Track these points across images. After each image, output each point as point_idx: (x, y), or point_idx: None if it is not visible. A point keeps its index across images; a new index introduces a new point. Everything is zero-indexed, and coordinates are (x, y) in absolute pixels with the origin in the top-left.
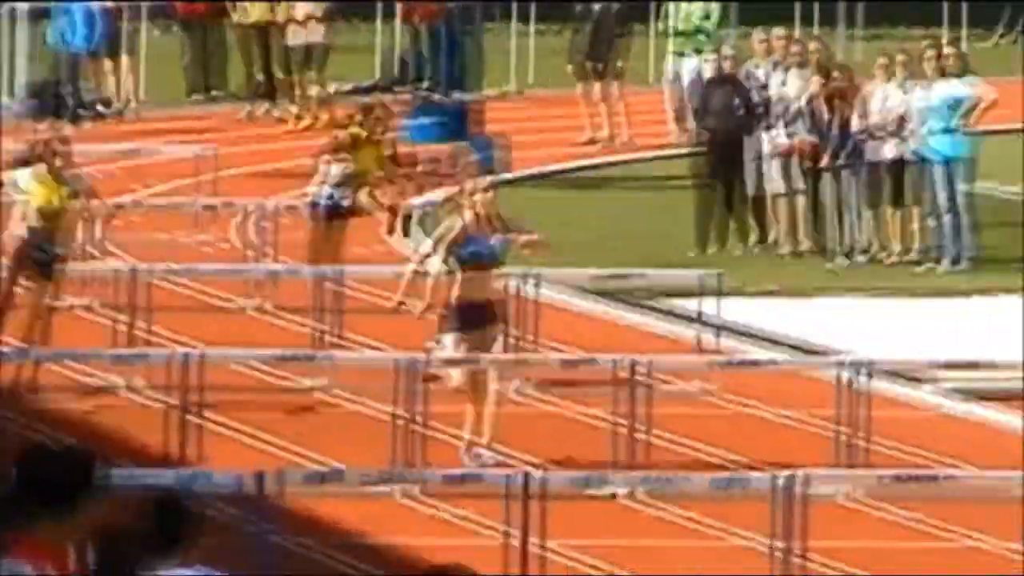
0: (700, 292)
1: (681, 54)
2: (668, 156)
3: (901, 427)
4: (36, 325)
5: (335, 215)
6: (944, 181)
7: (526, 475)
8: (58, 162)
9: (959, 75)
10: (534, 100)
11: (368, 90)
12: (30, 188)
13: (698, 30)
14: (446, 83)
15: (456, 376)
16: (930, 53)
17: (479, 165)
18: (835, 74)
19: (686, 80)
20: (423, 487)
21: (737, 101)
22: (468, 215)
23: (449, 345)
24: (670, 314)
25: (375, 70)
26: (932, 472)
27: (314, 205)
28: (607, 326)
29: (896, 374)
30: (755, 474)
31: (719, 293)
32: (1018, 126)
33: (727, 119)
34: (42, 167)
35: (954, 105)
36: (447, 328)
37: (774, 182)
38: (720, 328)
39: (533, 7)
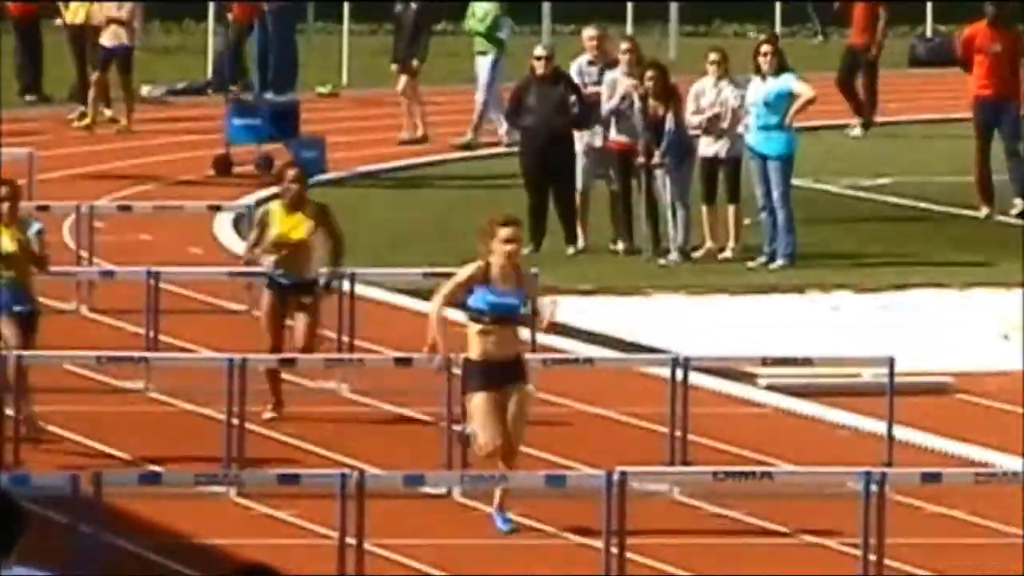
0: None
1: (483, 53)
2: (495, 155)
3: (725, 423)
4: None
5: None
6: (770, 176)
7: (343, 476)
8: None
9: (779, 73)
10: (350, 100)
11: (199, 90)
12: None
13: (490, 30)
14: (260, 84)
15: (481, 438)
16: (766, 49)
17: (306, 165)
18: (649, 73)
19: (482, 79)
20: (248, 488)
21: (563, 99)
22: (496, 262)
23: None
24: None
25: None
26: (755, 469)
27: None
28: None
29: (720, 372)
30: (585, 472)
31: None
32: (836, 122)
33: (550, 118)
34: None
35: (776, 102)
36: (464, 389)
37: (593, 180)
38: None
39: (347, 7)
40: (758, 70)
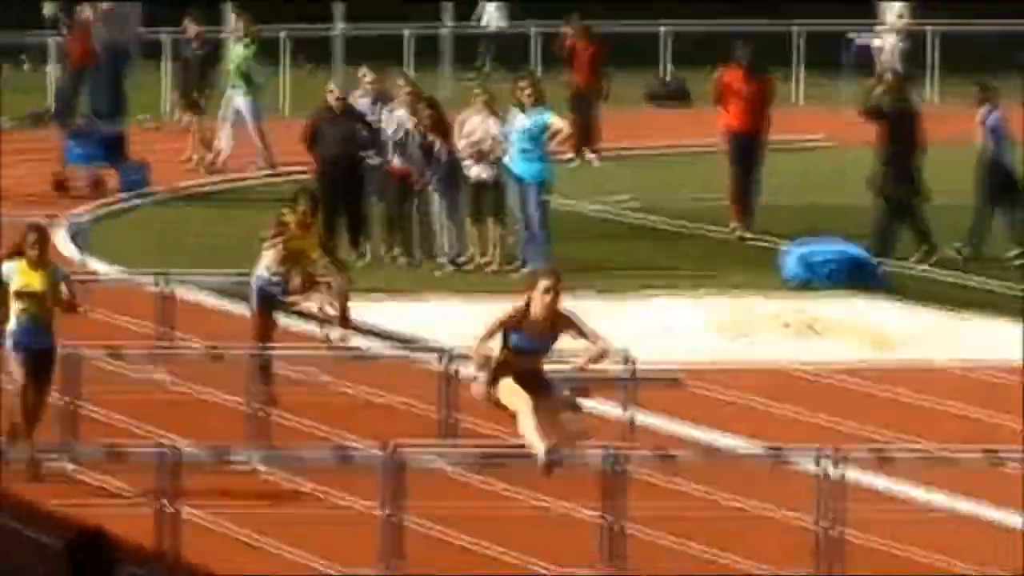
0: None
1: (234, 86)
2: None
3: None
4: None
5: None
6: (528, 197)
7: (161, 453)
8: None
9: (536, 106)
10: (171, 130)
11: (38, 117)
12: None
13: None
14: (95, 114)
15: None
16: (524, 85)
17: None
18: (425, 108)
19: (245, 111)
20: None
21: (353, 130)
22: (534, 309)
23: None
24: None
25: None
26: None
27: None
28: (239, 322)
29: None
30: (367, 449)
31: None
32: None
33: (343, 146)
34: None
35: (535, 133)
36: (494, 382)
37: (378, 201)
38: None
39: (166, 46)
40: (519, 104)
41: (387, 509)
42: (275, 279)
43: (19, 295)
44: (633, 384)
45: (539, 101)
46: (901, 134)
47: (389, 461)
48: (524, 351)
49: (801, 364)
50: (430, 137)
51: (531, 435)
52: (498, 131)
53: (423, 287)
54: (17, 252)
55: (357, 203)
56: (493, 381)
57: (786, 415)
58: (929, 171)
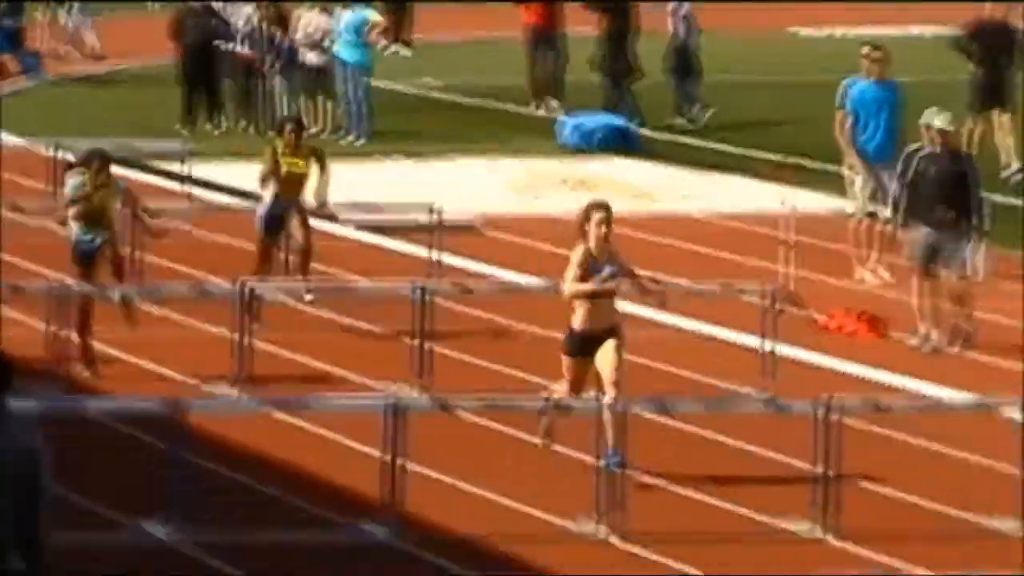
0: (181, 157)
1: None
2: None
3: (331, 252)
4: None
5: None
6: (352, 81)
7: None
8: None
9: (359, 4)
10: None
11: None
12: None
13: None
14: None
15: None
16: None
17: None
18: (267, 5)
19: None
20: None
21: (212, 25)
22: (592, 242)
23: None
24: (160, 173)
25: None
26: (343, 284)
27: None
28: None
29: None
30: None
31: (188, 156)
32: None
33: (202, 37)
34: None
35: (358, 26)
36: (562, 351)
37: (231, 82)
38: (197, 183)
39: None
40: (345, 2)
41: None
42: (275, 212)
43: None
44: (440, 231)
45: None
46: (617, 21)
47: (245, 293)
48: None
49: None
50: (272, 29)
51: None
52: (328, 25)
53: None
54: (78, 164)
55: (213, 83)
56: (564, 348)
57: (566, 255)
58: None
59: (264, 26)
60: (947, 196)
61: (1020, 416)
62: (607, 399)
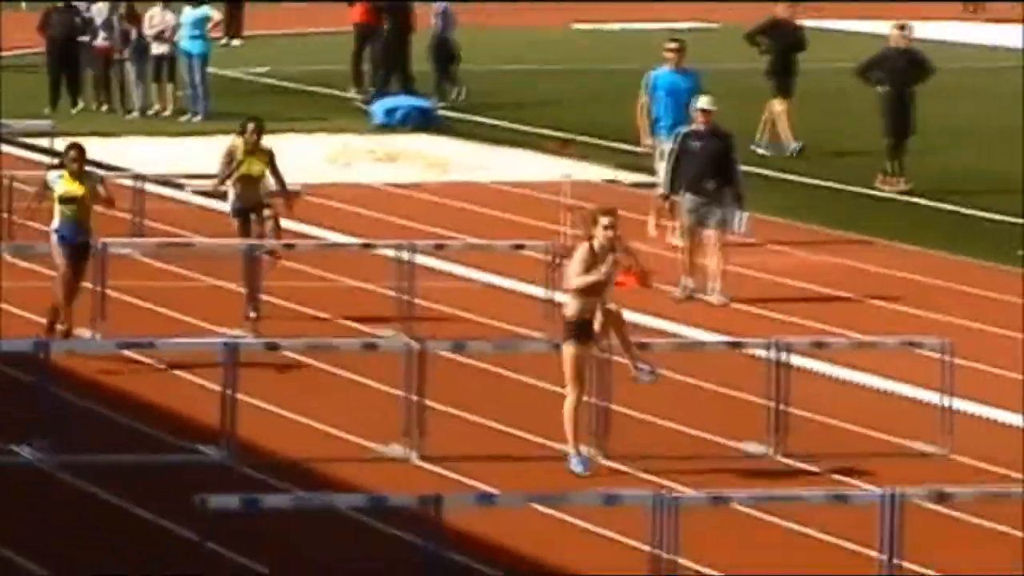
0: (48, 135)
1: None
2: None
3: (161, 209)
4: None
5: None
6: (193, 68)
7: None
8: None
9: (199, 4)
10: None
11: None
12: None
13: None
14: None
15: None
16: None
17: None
18: (122, 4)
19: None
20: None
21: (72, 20)
22: (597, 243)
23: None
24: (34, 148)
25: None
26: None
27: None
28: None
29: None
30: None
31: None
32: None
33: (66, 30)
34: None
35: (199, 22)
36: (564, 338)
37: (90, 70)
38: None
39: None
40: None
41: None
42: (239, 204)
43: (63, 200)
44: (267, 196)
45: (202, 1)
46: (397, 20)
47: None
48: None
49: (385, 183)
50: (126, 25)
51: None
52: (173, 21)
53: (121, 130)
54: (60, 165)
55: (74, 71)
56: (564, 335)
57: (376, 217)
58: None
59: (118, 22)
60: (710, 168)
61: (766, 353)
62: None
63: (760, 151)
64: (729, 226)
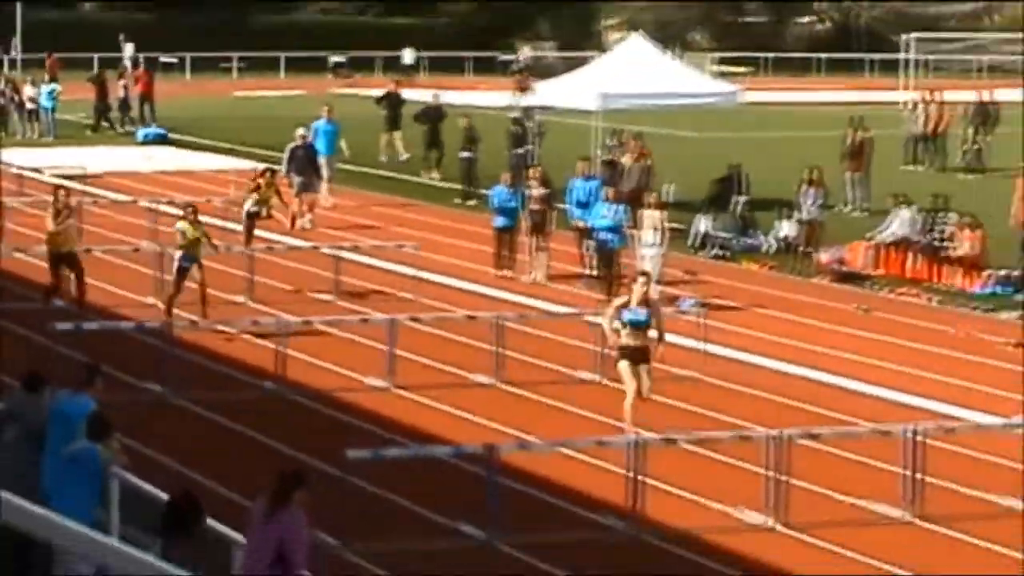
0: None
1: None
2: None
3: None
4: None
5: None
6: (47, 114)
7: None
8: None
9: None
10: None
11: None
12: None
13: None
14: None
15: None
16: None
17: None
18: None
19: None
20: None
21: None
22: (637, 294)
23: (623, 370)
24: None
25: None
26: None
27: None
28: None
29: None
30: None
31: None
32: None
33: None
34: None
35: (51, 92)
36: (618, 359)
37: None
38: None
39: None
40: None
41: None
42: (255, 208)
43: (186, 239)
44: (81, 181)
45: (53, 79)
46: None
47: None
48: (633, 324)
49: None
50: (11, 90)
51: (628, 390)
52: (35, 91)
53: (9, 143)
54: (183, 217)
55: None
56: (620, 351)
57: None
58: None
59: (7, 89)
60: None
61: (596, 319)
62: (645, 387)
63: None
64: None
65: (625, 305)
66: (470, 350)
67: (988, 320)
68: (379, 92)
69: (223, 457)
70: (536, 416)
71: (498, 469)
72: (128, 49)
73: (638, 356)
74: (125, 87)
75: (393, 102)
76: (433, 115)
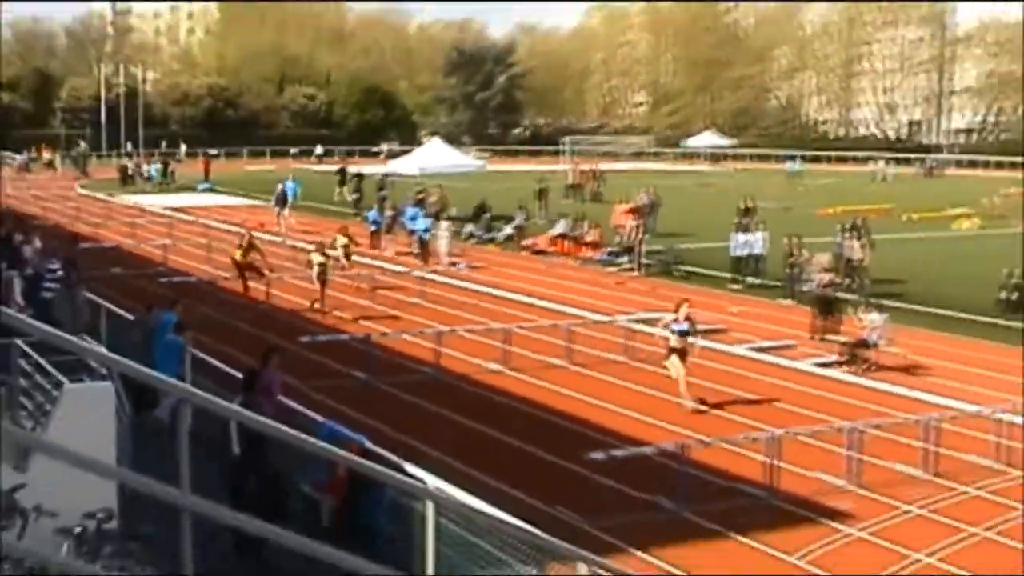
0: None
1: None
2: None
3: None
4: None
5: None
6: None
7: None
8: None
9: None
10: None
11: None
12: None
13: None
14: None
15: (674, 369)
16: None
17: None
18: None
19: None
20: None
21: None
22: (682, 313)
23: (676, 364)
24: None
25: None
26: None
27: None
28: None
29: None
30: None
31: None
32: None
33: None
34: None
35: None
36: (668, 356)
37: None
38: None
39: None
40: None
41: None
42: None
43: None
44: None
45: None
46: None
47: None
48: (679, 331)
49: None
50: None
51: (683, 389)
52: None
53: None
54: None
55: None
56: (670, 351)
57: None
58: None
59: (133, 165)
60: None
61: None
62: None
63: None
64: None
65: (674, 320)
66: None
67: (604, 272)
68: (331, 167)
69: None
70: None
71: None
72: (183, 147)
73: (682, 354)
74: (178, 162)
75: (342, 172)
76: (353, 177)
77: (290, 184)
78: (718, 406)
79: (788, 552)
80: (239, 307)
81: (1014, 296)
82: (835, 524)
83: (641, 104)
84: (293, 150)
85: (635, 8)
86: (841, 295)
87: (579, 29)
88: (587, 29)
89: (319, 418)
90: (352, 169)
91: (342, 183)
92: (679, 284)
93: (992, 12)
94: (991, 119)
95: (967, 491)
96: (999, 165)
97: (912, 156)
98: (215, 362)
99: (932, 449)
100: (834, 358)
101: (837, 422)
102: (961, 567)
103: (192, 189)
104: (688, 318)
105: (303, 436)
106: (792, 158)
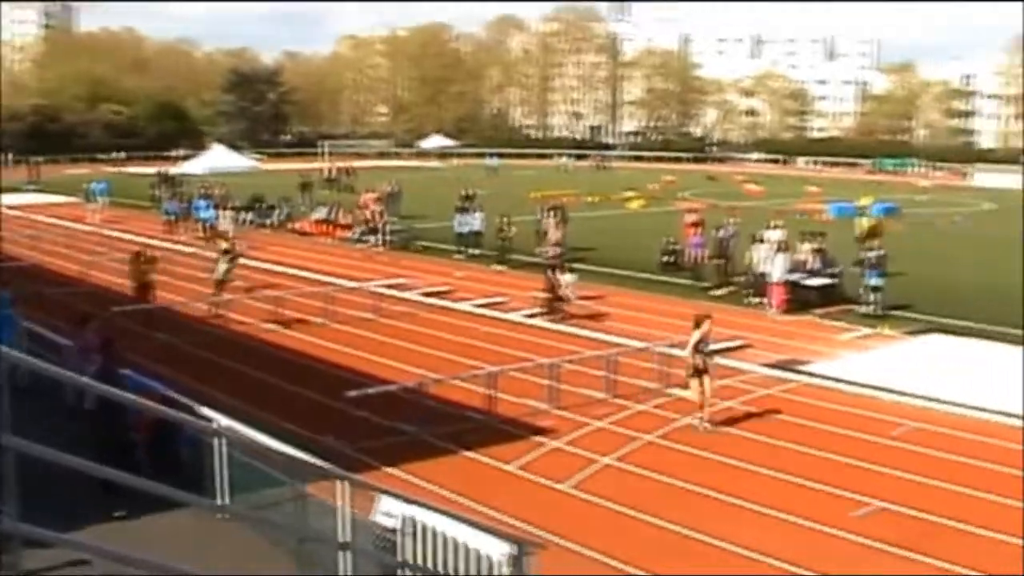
0: None
1: None
2: None
3: None
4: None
5: None
6: None
7: None
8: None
9: None
10: None
11: None
12: None
13: None
14: None
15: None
16: None
17: None
18: None
19: None
20: None
21: None
22: (705, 330)
23: (697, 389)
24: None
25: None
26: None
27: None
28: None
29: None
30: None
31: None
32: None
33: None
34: None
35: None
36: (691, 375)
37: None
38: None
39: None
40: None
41: None
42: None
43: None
44: None
45: None
46: None
47: None
48: (703, 349)
49: None
50: None
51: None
52: None
53: None
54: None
55: None
56: (694, 370)
57: None
58: None
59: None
60: None
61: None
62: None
63: None
64: None
65: (701, 341)
66: None
67: (356, 248)
68: (140, 169)
69: None
70: None
71: None
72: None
73: (705, 372)
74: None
75: (161, 175)
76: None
77: (96, 184)
78: (450, 351)
79: (506, 462)
80: (60, 284)
81: (671, 259)
82: (540, 439)
83: (383, 114)
84: (102, 156)
85: (377, 38)
86: (543, 261)
87: (334, 55)
88: (340, 55)
89: (128, 372)
90: (150, 170)
91: (163, 184)
92: (416, 256)
93: (650, 44)
94: (652, 124)
95: (638, 408)
96: (659, 159)
97: (592, 152)
98: (41, 330)
99: (611, 377)
100: (537, 310)
101: (540, 359)
102: (637, 465)
103: (20, 190)
104: (706, 337)
105: (116, 390)
106: (492, 156)
